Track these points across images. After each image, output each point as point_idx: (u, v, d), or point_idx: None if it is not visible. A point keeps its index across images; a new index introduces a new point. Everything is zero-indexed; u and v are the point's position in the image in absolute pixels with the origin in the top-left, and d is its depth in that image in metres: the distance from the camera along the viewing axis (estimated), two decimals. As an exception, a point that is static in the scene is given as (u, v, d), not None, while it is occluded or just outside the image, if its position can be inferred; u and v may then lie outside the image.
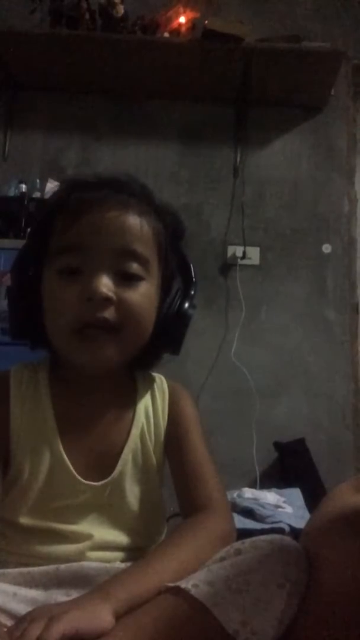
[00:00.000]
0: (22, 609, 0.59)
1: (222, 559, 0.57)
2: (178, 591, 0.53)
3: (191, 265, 0.80)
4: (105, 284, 0.67)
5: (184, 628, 0.51)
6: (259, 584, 0.52)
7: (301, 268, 2.22)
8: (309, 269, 2.22)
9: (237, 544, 0.58)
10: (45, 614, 0.52)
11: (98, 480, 0.70)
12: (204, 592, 0.52)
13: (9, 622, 0.57)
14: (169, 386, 0.80)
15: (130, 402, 0.76)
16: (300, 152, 2.30)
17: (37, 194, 2.08)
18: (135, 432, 0.74)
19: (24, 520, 0.68)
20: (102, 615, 0.53)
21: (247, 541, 0.58)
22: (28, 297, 0.72)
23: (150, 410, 0.76)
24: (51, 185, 2.05)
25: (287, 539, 0.58)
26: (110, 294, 0.67)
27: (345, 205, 2.27)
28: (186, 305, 0.76)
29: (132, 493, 0.72)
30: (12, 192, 2.11)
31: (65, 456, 0.70)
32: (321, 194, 2.27)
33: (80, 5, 2.06)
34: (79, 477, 0.69)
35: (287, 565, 0.54)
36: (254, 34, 2.07)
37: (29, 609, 0.56)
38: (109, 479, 0.70)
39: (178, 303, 0.76)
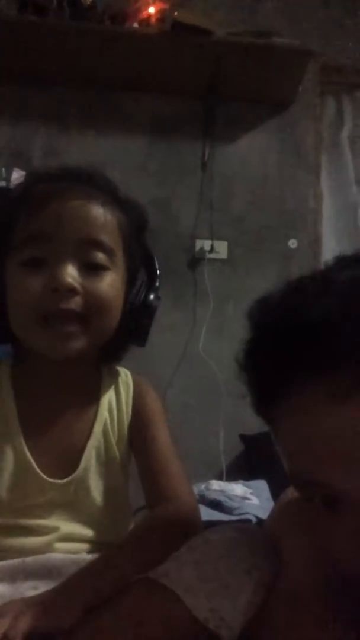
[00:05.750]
0: (-12, 604, 0.58)
1: (191, 547, 0.57)
2: (148, 581, 0.53)
3: (155, 257, 0.80)
4: (71, 274, 0.66)
5: (155, 617, 0.51)
6: (227, 572, 0.52)
7: (268, 263, 2.24)
8: (275, 264, 2.24)
9: (206, 533, 0.59)
10: (11, 610, 0.52)
11: (62, 477, 0.70)
12: (174, 581, 0.52)
13: (-25, 618, 0.56)
14: (133, 381, 0.80)
15: (94, 397, 0.75)
16: (267, 148, 2.32)
17: (2, 183, 2.04)
18: (97, 428, 0.73)
19: None
20: (68, 610, 0.53)
21: (215, 530, 0.59)
22: None
23: (114, 404, 0.76)
24: (17, 175, 2.01)
25: (255, 528, 0.59)
26: (76, 284, 0.66)
27: (311, 201, 2.30)
28: (151, 296, 0.76)
29: (97, 488, 0.72)
30: (-24, 182, 2.06)
31: (29, 456, 0.69)
32: (288, 190, 2.30)
33: (47, -8, 2.02)
34: (44, 476, 0.69)
35: (254, 553, 0.55)
36: (224, 28, 2.07)
37: (-4, 604, 0.56)
38: (73, 475, 0.70)
39: (143, 294, 0.76)
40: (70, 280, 0.65)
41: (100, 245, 0.69)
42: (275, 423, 0.49)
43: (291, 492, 0.63)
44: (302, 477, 0.46)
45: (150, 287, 0.77)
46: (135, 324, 0.74)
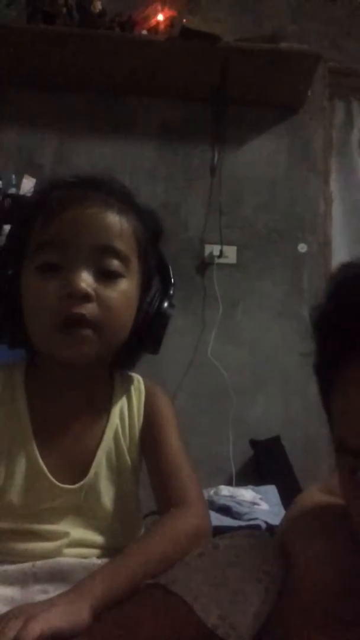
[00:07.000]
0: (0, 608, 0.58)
1: (201, 554, 0.57)
2: (157, 587, 0.53)
3: (169, 265, 0.80)
4: (85, 280, 0.67)
5: (164, 623, 0.51)
6: (237, 578, 0.52)
7: (278, 267, 2.24)
8: (285, 268, 2.24)
9: (215, 540, 0.59)
10: (22, 613, 0.52)
11: (73, 483, 0.70)
12: (183, 587, 0.52)
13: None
14: (146, 387, 0.80)
15: (106, 403, 0.76)
16: (276, 152, 2.32)
17: (12, 190, 2.06)
18: (109, 434, 0.74)
19: (0, 524, 0.68)
20: (79, 613, 0.53)
21: (225, 536, 0.59)
22: (7, 296, 0.71)
23: (125, 411, 0.76)
24: (27, 182, 2.03)
25: (264, 535, 0.59)
26: (90, 290, 0.67)
27: (321, 205, 2.30)
28: (165, 304, 0.76)
29: (107, 494, 0.72)
30: (-13, 188, 2.08)
31: (41, 461, 0.69)
32: (297, 193, 2.29)
33: (57, 0, 2.03)
34: (55, 481, 0.69)
35: (264, 560, 0.55)
36: (232, 34, 2.08)
37: (7, 608, 0.56)
38: (84, 481, 0.70)
39: (157, 302, 0.76)
40: (84, 286, 0.66)
41: (115, 253, 0.69)
42: (336, 387, 0.48)
43: (308, 498, 0.63)
44: (356, 446, 0.46)
45: (165, 295, 0.77)
46: (149, 331, 0.75)
